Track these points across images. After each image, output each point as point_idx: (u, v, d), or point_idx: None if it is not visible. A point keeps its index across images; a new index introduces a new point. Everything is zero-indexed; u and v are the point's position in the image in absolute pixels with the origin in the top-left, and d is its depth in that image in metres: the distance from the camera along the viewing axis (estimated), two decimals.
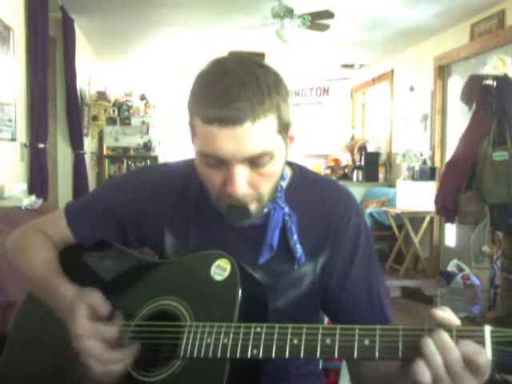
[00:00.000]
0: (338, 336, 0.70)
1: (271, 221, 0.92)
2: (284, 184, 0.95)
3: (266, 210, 0.91)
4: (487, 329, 0.63)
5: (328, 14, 4.18)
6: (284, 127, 0.84)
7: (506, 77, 3.28)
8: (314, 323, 0.73)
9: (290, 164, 1.01)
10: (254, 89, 0.78)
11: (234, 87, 0.77)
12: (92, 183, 5.70)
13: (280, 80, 0.84)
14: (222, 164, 0.81)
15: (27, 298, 1.08)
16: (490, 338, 0.63)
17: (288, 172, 0.99)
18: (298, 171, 1.00)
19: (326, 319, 1.08)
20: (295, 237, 0.92)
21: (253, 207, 0.86)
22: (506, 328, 0.63)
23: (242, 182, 0.81)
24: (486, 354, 0.62)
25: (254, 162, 0.81)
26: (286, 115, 0.83)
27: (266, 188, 0.86)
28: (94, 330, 0.81)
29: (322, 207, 0.95)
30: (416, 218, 5.32)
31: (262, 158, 0.81)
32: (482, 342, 0.63)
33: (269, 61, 6.34)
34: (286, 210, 0.92)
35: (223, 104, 0.77)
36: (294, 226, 0.92)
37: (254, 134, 0.78)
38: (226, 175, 0.82)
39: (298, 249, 0.92)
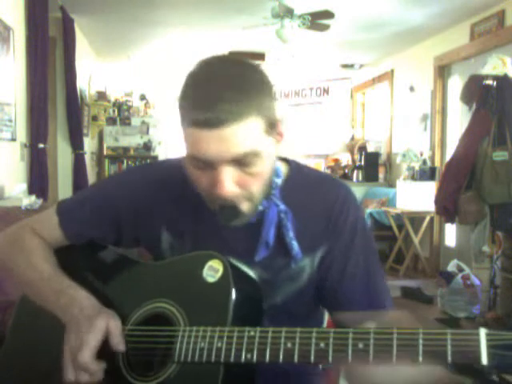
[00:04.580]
0: (331, 340, 0.70)
1: (266, 218, 0.91)
2: (279, 181, 0.95)
3: (260, 207, 0.90)
4: (482, 332, 0.62)
5: (328, 14, 4.18)
6: (272, 126, 0.83)
7: (506, 77, 3.27)
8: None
9: (286, 160, 1.01)
10: (238, 89, 0.78)
11: (218, 89, 0.77)
12: (92, 183, 5.69)
13: (266, 78, 0.83)
14: (209, 166, 0.81)
15: (22, 300, 1.07)
16: (486, 341, 0.61)
17: (284, 168, 0.99)
18: (296, 167, 1.00)
19: (327, 316, 1.08)
20: (291, 234, 0.92)
21: (244, 207, 0.85)
22: (501, 331, 0.62)
23: (230, 183, 0.81)
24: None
25: (241, 162, 0.81)
26: (273, 114, 0.83)
27: (255, 187, 0.85)
28: (90, 364, 0.82)
29: (320, 202, 0.95)
30: (416, 218, 5.31)
31: (248, 158, 0.80)
32: (477, 346, 0.62)
33: (269, 61, 6.34)
34: (282, 207, 0.92)
35: (207, 106, 0.77)
36: (289, 223, 0.92)
37: (238, 135, 0.78)
38: (213, 177, 0.82)
39: (295, 246, 0.92)
